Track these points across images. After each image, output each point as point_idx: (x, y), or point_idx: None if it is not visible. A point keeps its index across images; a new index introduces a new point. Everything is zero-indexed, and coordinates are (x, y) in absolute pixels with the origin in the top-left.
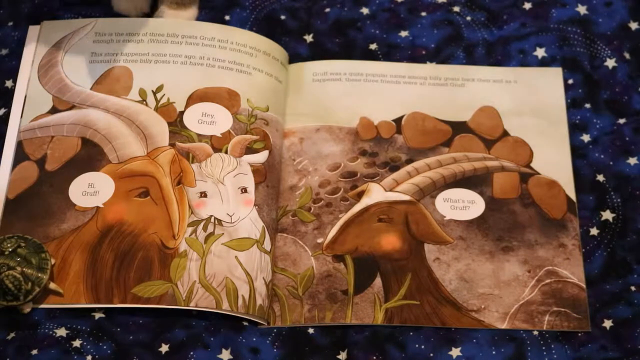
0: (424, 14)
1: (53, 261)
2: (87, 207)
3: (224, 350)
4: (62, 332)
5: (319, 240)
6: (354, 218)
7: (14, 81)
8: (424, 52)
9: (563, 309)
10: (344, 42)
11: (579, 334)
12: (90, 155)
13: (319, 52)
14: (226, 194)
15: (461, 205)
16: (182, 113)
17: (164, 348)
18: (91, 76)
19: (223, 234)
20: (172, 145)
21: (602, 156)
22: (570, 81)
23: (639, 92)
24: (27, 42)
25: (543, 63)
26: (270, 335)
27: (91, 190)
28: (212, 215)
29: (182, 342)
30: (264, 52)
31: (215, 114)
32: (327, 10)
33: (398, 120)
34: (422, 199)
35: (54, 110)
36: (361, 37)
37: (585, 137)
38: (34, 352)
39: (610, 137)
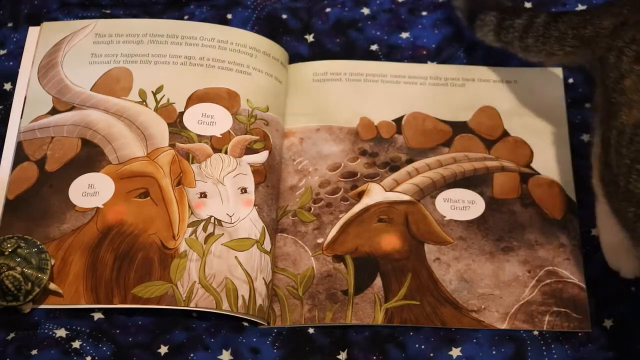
0: (424, 13)
1: (53, 261)
2: (87, 207)
3: (224, 351)
4: (61, 332)
5: (319, 241)
6: (354, 218)
7: (14, 82)
8: (424, 52)
9: (563, 309)
10: (344, 43)
11: (579, 334)
12: (90, 156)
13: (319, 52)
14: (226, 194)
15: (461, 205)
16: (182, 114)
17: (163, 349)
18: (91, 77)
19: (223, 234)
20: (172, 145)
21: None
22: (571, 81)
23: None
24: (27, 43)
25: (543, 63)
26: (271, 335)
27: (91, 191)
28: (212, 216)
29: (182, 343)
30: (264, 53)
31: (215, 114)
32: (328, 10)
33: (398, 120)
34: (422, 199)
35: (54, 111)
36: (362, 37)
37: (586, 137)
38: (34, 352)
39: None
